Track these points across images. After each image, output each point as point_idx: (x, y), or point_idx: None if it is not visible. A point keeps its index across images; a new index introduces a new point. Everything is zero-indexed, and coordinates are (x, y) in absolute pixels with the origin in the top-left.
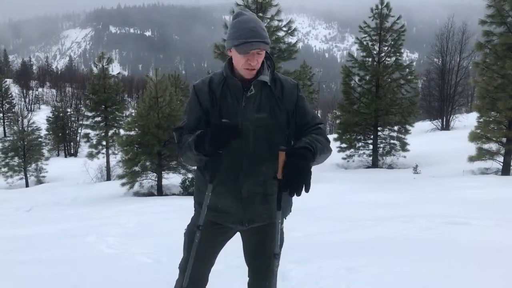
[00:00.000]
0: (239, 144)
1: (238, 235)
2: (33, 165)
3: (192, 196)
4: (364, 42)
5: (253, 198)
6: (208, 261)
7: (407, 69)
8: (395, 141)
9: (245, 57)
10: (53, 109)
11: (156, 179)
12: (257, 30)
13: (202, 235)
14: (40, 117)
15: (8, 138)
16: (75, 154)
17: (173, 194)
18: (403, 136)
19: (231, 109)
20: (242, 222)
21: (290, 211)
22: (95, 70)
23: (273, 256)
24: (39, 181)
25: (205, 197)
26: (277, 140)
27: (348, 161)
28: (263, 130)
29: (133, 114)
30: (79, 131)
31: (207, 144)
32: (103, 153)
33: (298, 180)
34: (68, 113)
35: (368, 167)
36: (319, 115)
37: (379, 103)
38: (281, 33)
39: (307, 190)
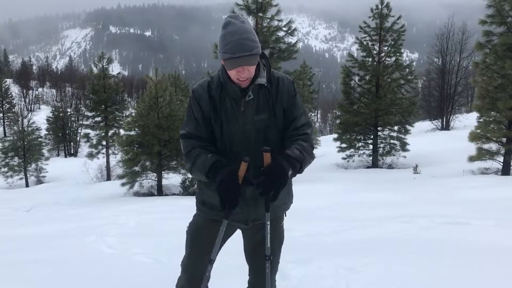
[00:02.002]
0: (240, 146)
1: (238, 235)
2: (33, 165)
3: (193, 196)
4: (364, 42)
5: (257, 198)
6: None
7: (407, 69)
8: (395, 141)
9: (235, 70)
10: (53, 109)
11: (156, 179)
12: (243, 43)
13: (204, 232)
14: (40, 117)
15: (8, 138)
16: (75, 154)
17: (173, 194)
18: (403, 136)
19: (231, 114)
20: (246, 222)
21: (290, 205)
22: (95, 70)
23: (274, 254)
24: (39, 181)
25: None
26: (275, 138)
27: (348, 161)
28: (262, 130)
29: (133, 114)
30: (79, 131)
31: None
32: (103, 153)
33: (271, 186)
34: (68, 113)
35: (368, 167)
36: (319, 115)
37: (379, 103)
38: (281, 33)
39: (274, 199)
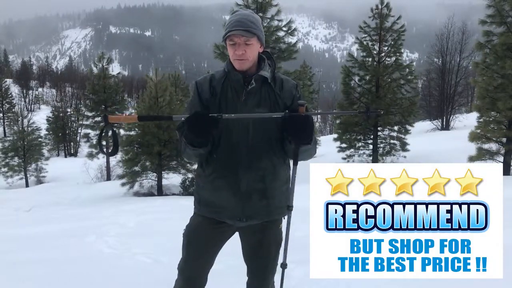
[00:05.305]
0: (238, 137)
1: (237, 235)
2: (33, 165)
3: (193, 196)
4: (364, 42)
5: (251, 193)
6: (207, 261)
7: (407, 69)
8: (395, 141)
9: (233, 48)
10: (53, 109)
11: (156, 179)
12: (241, 20)
13: (200, 235)
14: (40, 117)
15: (8, 138)
16: (75, 154)
17: (173, 194)
18: (403, 136)
19: (231, 103)
20: (240, 218)
21: (289, 211)
22: (95, 70)
23: (271, 256)
24: (39, 181)
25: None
26: (275, 135)
27: (348, 161)
28: (262, 124)
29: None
30: (79, 131)
31: (187, 133)
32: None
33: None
34: (68, 113)
35: None
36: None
37: (379, 103)
38: (281, 33)
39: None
